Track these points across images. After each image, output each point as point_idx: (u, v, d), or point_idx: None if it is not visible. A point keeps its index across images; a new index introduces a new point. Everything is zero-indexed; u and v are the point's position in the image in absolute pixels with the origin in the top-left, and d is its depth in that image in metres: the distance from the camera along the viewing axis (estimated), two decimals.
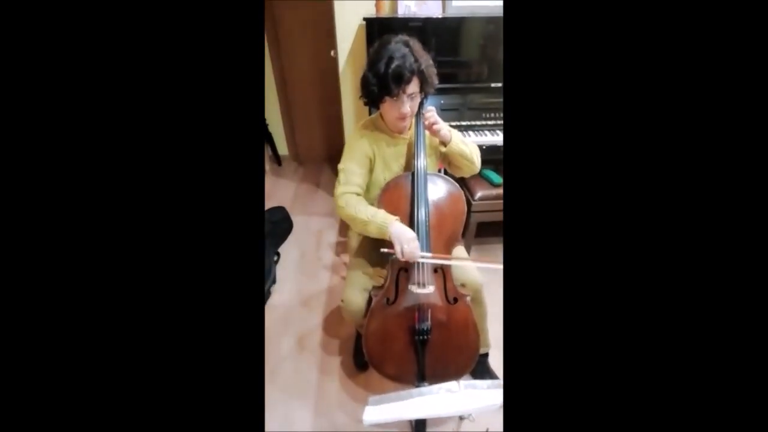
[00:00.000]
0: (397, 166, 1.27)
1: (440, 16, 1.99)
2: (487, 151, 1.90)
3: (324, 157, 3.34)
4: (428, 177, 1.18)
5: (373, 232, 1.12)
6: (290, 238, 2.38)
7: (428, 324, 1.15)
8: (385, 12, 2.08)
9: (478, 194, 1.90)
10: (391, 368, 1.23)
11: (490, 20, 1.95)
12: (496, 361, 1.51)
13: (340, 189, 1.18)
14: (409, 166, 1.26)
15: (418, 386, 1.15)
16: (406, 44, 1.10)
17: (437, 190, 1.21)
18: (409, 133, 1.27)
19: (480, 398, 0.86)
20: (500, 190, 1.92)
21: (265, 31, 2.79)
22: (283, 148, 3.32)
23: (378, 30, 1.90)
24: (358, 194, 1.19)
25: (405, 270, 1.17)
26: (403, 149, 1.27)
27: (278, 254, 2.21)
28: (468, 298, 1.19)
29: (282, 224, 2.35)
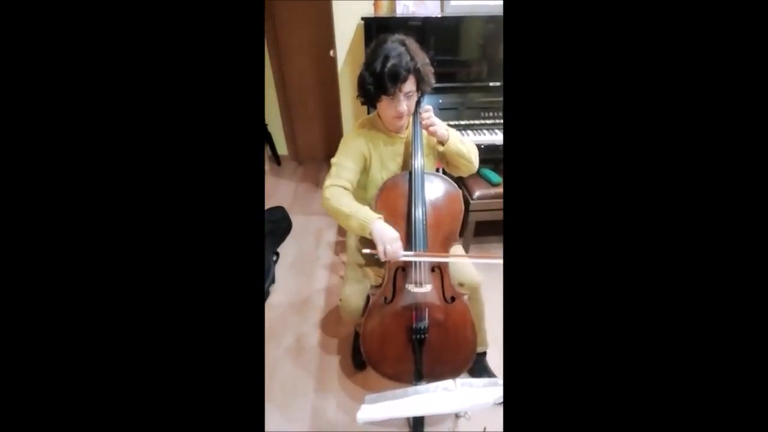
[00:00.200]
0: (394, 165, 1.27)
1: (439, 16, 1.99)
2: (485, 151, 1.90)
3: (323, 156, 3.34)
4: (425, 176, 1.18)
5: (354, 228, 1.11)
6: (289, 237, 2.38)
7: (425, 323, 1.15)
8: (384, 12, 2.09)
9: (477, 193, 1.90)
10: (389, 367, 1.24)
11: (488, 19, 1.95)
12: (495, 360, 1.51)
13: (328, 181, 1.18)
14: (407, 165, 1.26)
15: (415, 385, 1.15)
16: (402, 43, 1.10)
17: (434, 189, 1.21)
18: (407, 132, 1.27)
19: (475, 396, 0.86)
20: (499, 189, 1.92)
21: (264, 31, 2.79)
22: (282, 148, 3.33)
23: (376, 30, 1.90)
24: (347, 189, 1.18)
25: (402, 269, 1.17)
26: (400, 148, 1.27)
27: (277, 254, 2.22)
28: (465, 297, 1.19)
29: (281, 224, 2.35)
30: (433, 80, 1.16)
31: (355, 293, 1.23)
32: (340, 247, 2.29)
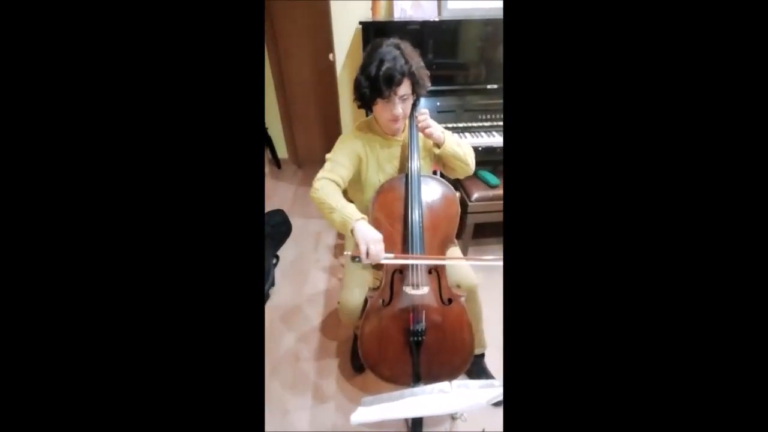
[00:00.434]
0: (391, 168, 1.28)
1: (437, 19, 2.00)
2: (483, 153, 1.91)
3: (323, 159, 3.33)
4: (422, 179, 1.19)
5: (336, 223, 1.10)
6: (289, 240, 2.39)
7: (423, 325, 1.15)
8: (381, 15, 2.10)
9: (475, 195, 1.90)
10: (387, 370, 1.24)
11: (486, 22, 1.96)
12: (493, 362, 1.51)
13: (320, 174, 1.18)
14: (403, 168, 1.26)
15: (412, 387, 1.15)
16: (397, 47, 1.11)
17: (431, 191, 1.21)
18: (403, 135, 1.27)
19: (470, 397, 0.87)
20: (497, 191, 1.92)
21: (264, 35, 2.80)
22: (282, 151, 3.34)
23: (374, 33, 1.92)
24: (338, 185, 1.17)
25: (400, 271, 1.17)
26: (396, 151, 1.27)
27: (277, 257, 2.22)
28: (462, 299, 1.20)
29: (281, 227, 2.36)
30: (428, 83, 1.17)
31: (353, 296, 1.23)
32: (339, 249, 2.29)
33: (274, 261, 2.18)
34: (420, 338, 1.15)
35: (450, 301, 1.18)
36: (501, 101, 2.00)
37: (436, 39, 1.97)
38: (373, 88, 1.09)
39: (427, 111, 1.19)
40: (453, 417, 1.35)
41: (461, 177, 1.31)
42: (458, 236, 1.38)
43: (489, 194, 1.91)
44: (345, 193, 1.22)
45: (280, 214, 2.40)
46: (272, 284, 2.00)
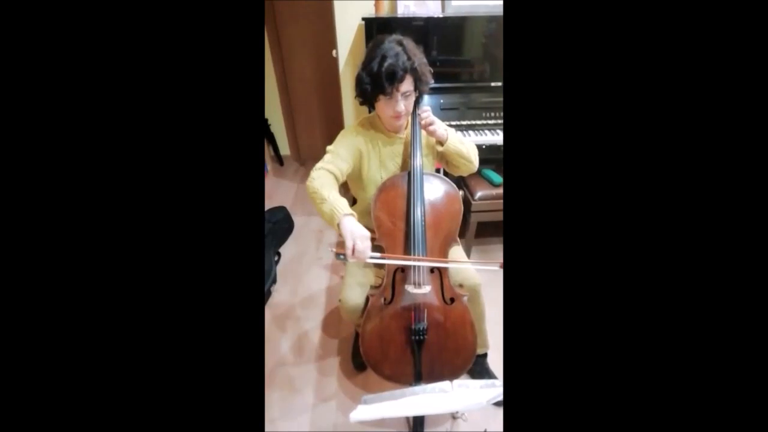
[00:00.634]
0: (393, 165, 1.27)
1: (440, 16, 1.99)
2: (487, 151, 1.89)
3: None
4: (424, 176, 1.18)
5: (326, 215, 1.07)
6: (291, 237, 2.38)
7: (424, 324, 1.14)
8: (385, 12, 2.08)
9: (478, 194, 1.89)
10: (388, 368, 1.23)
11: (490, 19, 1.94)
12: (497, 362, 1.50)
13: (319, 165, 1.15)
14: (406, 165, 1.25)
15: (413, 386, 1.14)
16: (400, 43, 1.09)
17: (433, 189, 1.20)
18: (406, 132, 1.26)
19: (470, 396, 0.86)
20: (500, 190, 1.91)
21: (267, 31, 2.79)
22: (284, 148, 3.33)
23: (377, 30, 1.90)
24: (336, 177, 1.15)
25: (402, 270, 1.16)
26: (399, 148, 1.26)
27: (279, 254, 2.22)
28: (465, 298, 1.19)
29: (283, 224, 2.35)
30: (431, 80, 1.16)
31: (355, 294, 1.22)
32: (340, 247, 2.28)
33: (276, 258, 2.17)
34: (421, 337, 1.15)
35: (452, 300, 1.16)
36: None
37: (440, 36, 1.95)
38: (375, 84, 1.08)
39: (429, 108, 1.18)
40: (454, 416, 1.35)
41: (465, 174, 1.30)
42: (461, 235, 1.37)
43: (492, 193, 1.89)
44: (345, 188, 1.20)
45: (281, 211, 2.39)
46: (274, 282, 1.99)
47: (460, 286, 1.24)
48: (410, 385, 1.20)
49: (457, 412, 1.34)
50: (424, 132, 1.21)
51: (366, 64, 1.10)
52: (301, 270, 2.13)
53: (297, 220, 2.47)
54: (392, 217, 1.18)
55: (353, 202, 1.44)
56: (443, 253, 1.20)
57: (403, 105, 1.12)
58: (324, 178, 1.12)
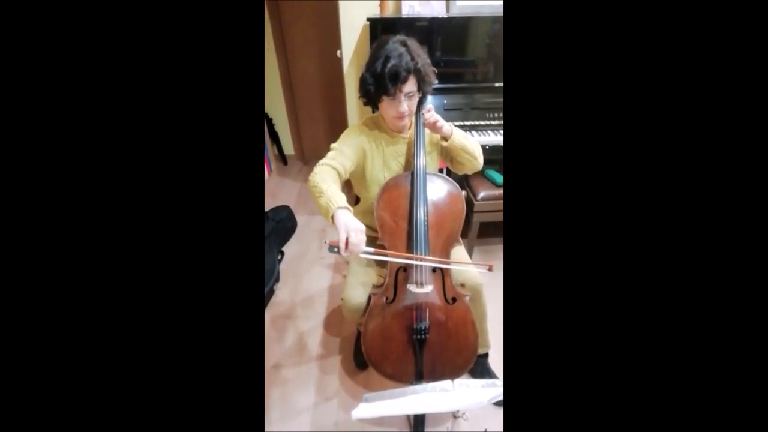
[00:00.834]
0: (396, 165, 1.27)
1: (445, 16, 1.99)
2: (490, 151, 1.89)
3: None
4: (427, 176, 1.18)
5: (322, 207, 1.05)
6: (294, 236, 2.39)
7: (426, 323, 1.14)
8: (389, 12, 2.09)
9: (481, 194, 1.89)
10: (390, 367, 1.23)
11: (495, 20, 1.94)
12: (496, 362, 1.50)
13: (322, 161, 1.15)
14: (409, 165, 1.26)
15: (414, 385, 1.15)
16: (404, 44, 1.10)
17: (436, 189, 1.21)
18: (409, 132, 1.27)
19: (471, 396, 0.86)
20: (503, 191, 1.91)
21: (271, 31, 2.81)
22: (288, 148, 3.34)
23: (382, 30, 1.91)
24: (339, 173, 1.14)
25: (404, 269, 1.17)
26: (402, 148, 1.27)
27: (282, 253, 2.23)
28: (467, 298, 1.19)
29: (286, 223, 2.36)
30: (434, 80, 1.16)
31: (357, 292, 1.23)
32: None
33: (279, 257, 2.18)
34: (423, 336, 1.15)
35: (454, 300, 1.17)
36: None
37: (444, 36, 1.96)
38: (378, 85, 1.09)
39: (432, 106, 1.19)
40: (455, 416, 1.36)
41: (470, 172, 1.30)
42: (463, 235, 1.37)
43: (495, 193, 1.90)
44: (349, 187, 1.20)
45: (285, 210, 2.40)
46: (277, 280, 2.00)
47: (462, 285, 1.25)
48: (411, 384, 1.20)
49: (458, 412, 1.35)
50: (427, 130, 1.21)
51: (370, 65, 1.10)
52: (303, 269, 2.14)
53: (300, 219, 2.48)
54: (395, 216, 1.18)
55: (356, 201, 1.44)
56: (445, 253, 1.21)
57: (407, 105, 1.12)
58: (326, 173, 1.12)
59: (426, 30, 1.93)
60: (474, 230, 1.97)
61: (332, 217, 1.01)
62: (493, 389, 0.90)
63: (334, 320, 1.80)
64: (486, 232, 2.12)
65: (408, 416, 1.35)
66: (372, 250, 1.04)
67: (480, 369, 1.44)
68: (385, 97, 1.11)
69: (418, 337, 1.15)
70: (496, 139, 1.92)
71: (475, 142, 1.25)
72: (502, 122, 2.00)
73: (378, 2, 2.07)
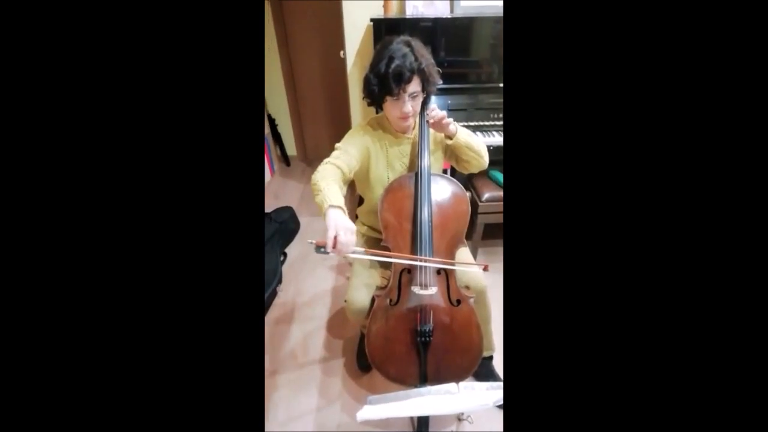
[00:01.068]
0: (400, 166, 1.26)
1: (449, 16, 1.98)
2: (494, 152, 1.87)
3: None
4: (432, 177, 1.18)
5: (318, 205, 1.03)
6: (296, 237, 2.39)
7: (430, 326, 1.13)
8: (393, 13, 2.08)
9: (485, 195, 1.88)
10: (393, 370, 1.22)
11: (499, 20, 1.93)
12: (501, 365, 1.48)
13: (327, 160, 1.14)
14: (413, 166, 1.25)
15: (419, 388, 1.14)
16: (408, 44, 1.09)
17: (441, 190, 1.20)
18: (414, 133, 1.26)
19: (476, 398, 0.85)
20: None
21: (274, 31, 2.81)
22: (291, 149, 3.34)
23: (386, 31, 1.90)
24: (343, 172, 1.13)
25: (408, 271, 1.16)
26: (407, 149, 1.26)
27: (285, 254, 2.22)
28: (471, 300, 1.18)
29: (289, 224, 2.36)
30: (438, 80, 1.16)
31: (360, 294, 1.22)
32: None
33: (282, 258, 2.17)
34: (427, 339, 1.14)
35: (458, 302, 1.16)
36: None
37: (448, 36, 1.95)
38: (382, 85, 1.08)
39: (435, 106, 1.18)
40: (459, 418, 1.35)
41: (475, 171, 1.29)
42: (468, 237, 1.36)
43: (500, 194, 1.88)
44: (352, 187, 1.19)
45: (288, 211, 2.40)
46: (279, 281, 2.00)
47: (467, 287, 1.24)
48: (415, 386, 1.19)
49: (462, 414, 1.34)
50: (431, 130, 1.21)
51: (374, 65, 1.10)
52: (306, 270, 2.13)
53: (303, 220, 2.47)
54: (399, 217, 1.17)
55: (360, 201, 1.43)
56: (450, 255, 1.20)
57: (411, 106, 1.12)
58: (328, 172, 1.10)
59: (430, 30, 1.92)
60: (478, 232, 1.96)
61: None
62: (498, 392, 0.89)
63: (336, 322, 1.79)
64: (490, 233, 2.10)
65: (411, 418, 1.34)
66: (362, 250, 1.02)
67: (484, 372, 1.42)
68: (389, 98, 1.11)
69: (423, 339, 1.14)
70: (501, 139, 1.91)
71: (480, 140, 1.24)
72: None
73: (382, 2, 2.06)
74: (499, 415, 1.34)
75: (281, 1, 2.77)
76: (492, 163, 1.35)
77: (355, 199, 2.62)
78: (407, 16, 2.05)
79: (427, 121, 1.17)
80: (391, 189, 1.19)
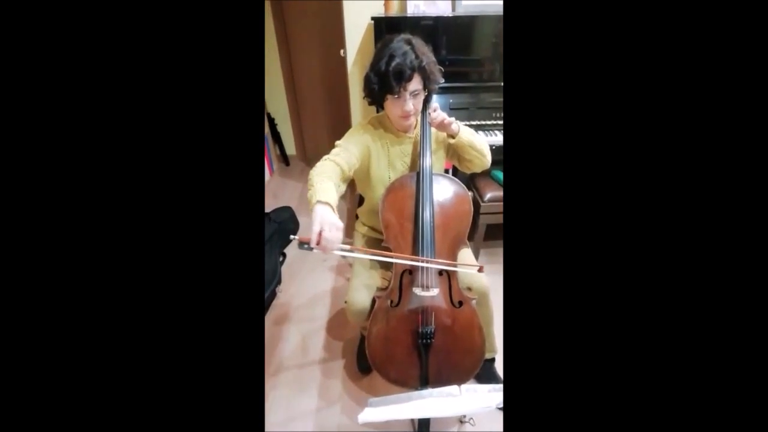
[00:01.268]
0: (401, 165, 1.25)
1: (450, 15, 1.97)
2: (496, 152, 1.85)
3: None
4: (434, 177, 1.16)
5: (308, 199, 1.00)
6: None
7: (432, 327, 1.12)
8: (394, 11, 2.07)
9: (488, 196, 1.86)
10: (394, 372, 1.21)
11: (500, 19, 1.91)
12: (503, 367, 1.47)
13: (326, 156, 1.12)
14: (415, 165, 1.23)
15: (420, 390, 1.12)
16: (408, 42, 1.08)
17: (443, 190, 1.18)
18: (415, 132, 1.25)
19: (478, 400, 0.84)
20: None
21: (274, 30, 2.79)
22: (290, 148, 3.32)
23: (387, 29, 1.88)
24: (342, 168, 1.11)
25: (409, 272, 1.14)
26: (408, 148, 1.25)
27: (284, 254, 2.20)
28: (473, 302, 1.16)
29: (288, 224, 2.34)
30: (440, 78, 1.14)
31: (361, 295, 1.20)
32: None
33: (281, 259, 2.16)
34: (429, 341, 1.12)
35: (460, 303, 1.14)
36: None
37: (450, 35, 1.93)
38: (382, 84, 1.07)
39: (437, 105, 1.16)
40: (461, 420, 1.33)
41: (478, 171, 1.27)
42: (470, 238, 1.34)
43: (501, 195, 1.87)
44: (353, 187, 1.18)
45: (287, 211, 2.38)
46: (279, 282, 1.98)
47: (469, 289, 1.22)
48: (416, 388, 1.18)
49: (464, 416, 1.32)
50: (433, 129, 1.19)
51: (374, 64, 1.09)
52: (306, 271, 2.11)
53: (302, 220, 2.46)
54: (401, 218, 1.16)
55: (360, 201, 1.42)
56: (452, 255, 1.18)
57: (412, 104, 1.10)
58: (326, 168, 1.08)
59: (431, 29, 1.91)
60: (480, 232, 1.94)
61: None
62: (500, 394, 0.88)
63: (336, 323, 1.77)
64: (492, 234, 2.09)
65: (412, 420, 1.32)
66: (348, 247, 0.98)
67: (486, 374, 1.41)
68: (389, 96, 1.09)
69: (424, 341, 1.12)
70: (503, 139, 1.89)
71: (483, 139, 1.23)
72: None
73: (383, 1, 2.05)
74: (501, 418, 1.33)
75: (281, 0, 2.75)
76: (494, 162, 1.34)
77: (355, 199, 2.61)
78: (408, 15, 2.03)
79: (429, 123, 1.16)
80: (393, 189, 1.18)
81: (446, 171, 1.33)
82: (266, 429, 1.33)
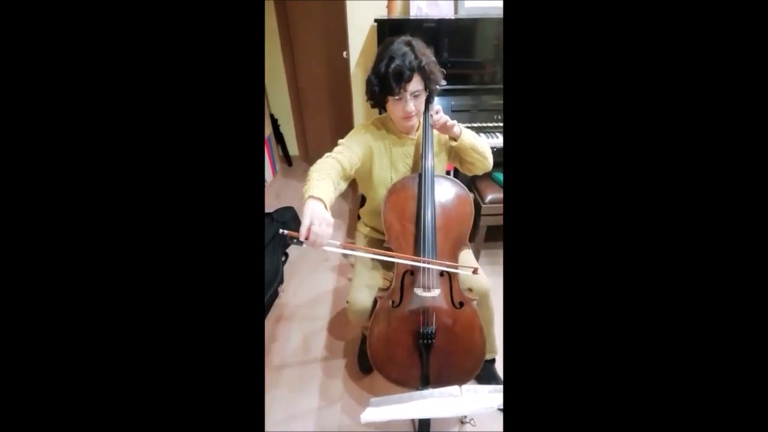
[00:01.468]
0: (403, 166, 1.26)
1: (453, 17, 1.98)
2: (497, 154, 1.86)
3: None
4: (435, 178, 1.17)
5: (302, 194, 1.00)
6: None
7: (433, 328, 1.12)
8: (397, 13, 2.08)
9: (489, 197, 1.87)
10: (395, 372, 1.21)
11: (503, 21, 1.92)
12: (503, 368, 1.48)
13: (328, 154, 1.12)
14: (417, 166, 1.24)
15: (421, 390, 1.13)
16: (408, 44, 1.09)
17: (444, 191, 1.19)
18: (417, 134, 1.25)
19: (479, 401, 0.85)
20: None
21: (278, 32, 2.81)
22: (293, 149, 3.34)
23: (389, 31, 1.90)
24: (343, 166, 1.11)
25: (411, 273, 1.15)
26: (410, 149, 1.25)
27: (286, 254, 2.21)
28: (474, 303, 1.17)
29: (291, 225, 2.35)
30: (441, 78, 1.15)
31: (362, 296, 1.21)
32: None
33: (283, 259, 2.17)
34: (430, 341, 1.13)
35: (461, 304, 1.15)
36: None
37: (452, 37, 1.94)
38: (383, 85, 1.08)
39: (440, 107, 1.17)
40: (462, 420, 1.34)
41: (480, 173, 1.28)
42: (471, 239, 1.35)
43: (502, 197, 1.87)
44: (354, 187, 1.18)
45: (289, 211, 2.39)
46: (281, 282, 1.99)
47: (470, 290, 1.23)
48: (417, 389, 1.18)
49: (465, 417, 1.33)
50: (435, 131, 1.20)
51: (375, 66, 1.10)
52: (307, 271, 2.12)
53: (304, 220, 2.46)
54: (402, 219, 1.17)
55: (362, 202, 1.43)
56: (453, 257, 1.19)
57: (413, 105, 1.11)
58: (326, 165, 1.08)
59: (434, 31, 1.92)
60: (481, 234, 1.95)
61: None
62: (501, 395, 0.88)
63: (338, 323, 1.78)
64: (493, 235, 2.10)
65: (413, 420, 1.33)
66: (338, 243, 0.98)
67: (486, 375, 1.41)
68: (390, 98, 1.10)
69: (425, 341, 1.13)
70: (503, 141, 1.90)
71: (484, 142, 1.24)
72: None
73: (385, 3, 2.06)
74: (502, 418, 1.33)
75: (285, 1, 2.77)
76: (495, 164, 1.34)
77: (357, 200, 2.61)
78: (411, 17, 2.04)
79: (432, 124, 1.17)
80: (395, 190, 1.19)
81: (447, 173, 1.34)
82: (267, 428, 1.34)
